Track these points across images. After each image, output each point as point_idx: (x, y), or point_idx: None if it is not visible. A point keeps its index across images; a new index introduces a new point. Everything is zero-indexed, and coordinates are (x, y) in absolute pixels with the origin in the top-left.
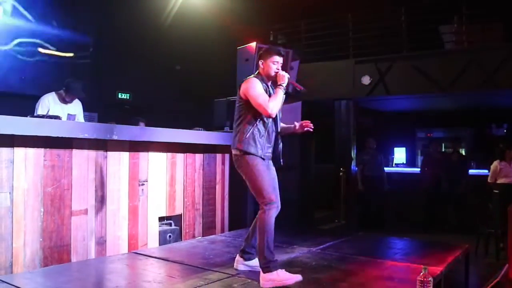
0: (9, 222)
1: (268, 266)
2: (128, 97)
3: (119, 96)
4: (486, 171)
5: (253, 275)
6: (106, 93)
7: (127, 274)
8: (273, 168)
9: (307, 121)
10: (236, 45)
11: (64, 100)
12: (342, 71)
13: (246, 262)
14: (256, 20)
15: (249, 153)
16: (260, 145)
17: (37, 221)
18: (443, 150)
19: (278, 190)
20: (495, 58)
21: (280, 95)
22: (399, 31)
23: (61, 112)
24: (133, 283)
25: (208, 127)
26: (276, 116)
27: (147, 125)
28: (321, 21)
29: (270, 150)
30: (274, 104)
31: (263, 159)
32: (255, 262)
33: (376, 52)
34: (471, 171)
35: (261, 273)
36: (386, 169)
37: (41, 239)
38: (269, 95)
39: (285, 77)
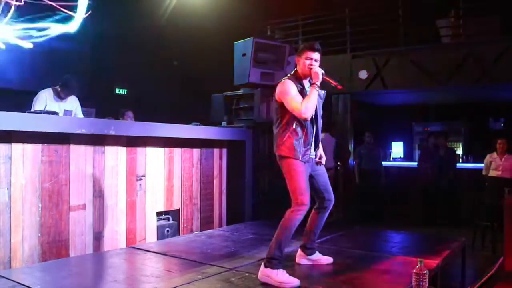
0: (7, 218)
1: (271, 262)
2: (125, 93)
3: (117, 92)
4: (482, 164)
5: (251, 268)
6: (104, 88)
7: (125, 269)
8: (321, 168)
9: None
10: (233, 40)
11: (60, 96)
12: (339, 65)
13: (309, 257)
14: (253, 15)
15: (290, 158)
16: (298, 148)
17: (35, 216)
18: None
19: (328, 187)
20: (492, 51)
21: (313, 95)
22: (396, 25)
23: (57, 108)
24: (131, 278)
25: (205, 122)
26: (317, 114)
27: (144, 120)
28: (318, 15)
29: (309, 152)
30: (307, 105)
31: (303, 162)
32: (316, 256)
33: (373, 46)
34: (468, 165)
35: (263, 265)
36: (383, 163)
37: (39, 234)
38: (305, 96)
39: (318, 74)
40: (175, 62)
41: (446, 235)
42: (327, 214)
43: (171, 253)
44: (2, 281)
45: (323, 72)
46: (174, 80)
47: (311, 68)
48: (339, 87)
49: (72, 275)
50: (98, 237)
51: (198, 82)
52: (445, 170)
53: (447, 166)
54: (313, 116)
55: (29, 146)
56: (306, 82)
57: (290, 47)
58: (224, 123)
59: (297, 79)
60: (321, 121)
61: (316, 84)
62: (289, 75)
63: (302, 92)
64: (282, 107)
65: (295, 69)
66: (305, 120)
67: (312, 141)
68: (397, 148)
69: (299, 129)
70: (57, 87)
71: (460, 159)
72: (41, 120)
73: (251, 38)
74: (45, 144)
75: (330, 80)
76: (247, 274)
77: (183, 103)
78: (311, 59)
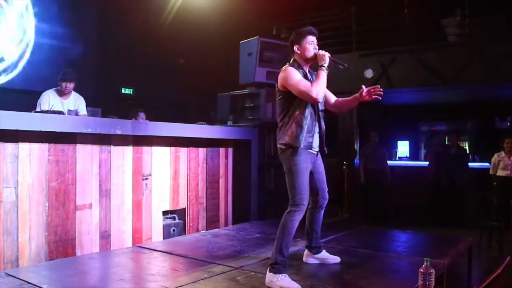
0: (14, 217)
1: (274, 266)
2: (131, 92)
3: (123, 91)
4: (488, 164)
5: (257, 268)
6: (110, 88)
7: (132, 268)
8: (320, 162)
9: (376, 86)
10: (239, 39)
11: (63, 94)
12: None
13: (316, 256)
14: (258, 15)
15: (294, 147)
16: (305, 138)
17: (42, 215)
18: (446, 143)
19: (324, 186)
20: (498, 50)
21: (323, 77)
22: (402, 24)
23: (61, 108)
24: (138, 276)
25: (211, 121)
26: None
27: (150, 119)
28: (324, 15)
29: (314, 140)
30: (318, 87)
31: (309, 153)
32: (324, 255)
33: (379, 45)
34: (474, 164)
35: (268, 269)
36: (389, 162)
37: (46, 233)
38: (309, 81)
39: (325, 56)
40: (181, 61)
41: (453, 235)
42: (322, 212)
43: (177, 252)
44: (10, 280)
45: (329, 55)
46: (180, 79)
47: (316, 52)
48: (344, 66)
49: (79, 274)
50: (104, 236)
51: (204, 82)
52: (456, 169)
53: (458, 166)
54: (316, 104)
55: (36, 146)
56: (307, 69)
57: None
58: (230, 123)
59: (299, 67)
60: (323, 109)
61: (324, 66)
62: (288, 63)
63: (306, 78)
64: (285, 96)
65: (293, 59)
66: (315, 102)
67: (316, 131)
68: (403, 148)
69: (303, 117)
70: (58, 87)
71: None
72: (47, 119)
73: (257, 37)
74: (52, 144)
75: (337, 62)
76: (252, 273)
77: (189, 102)
78: (313, 42)
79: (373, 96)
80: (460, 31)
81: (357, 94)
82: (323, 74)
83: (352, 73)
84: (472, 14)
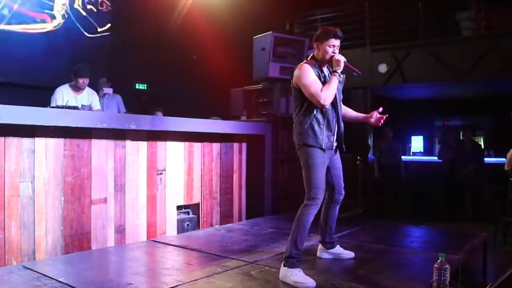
0: (31, 211)
1: (288, 260)
2: (145, 88)
3: (137, 87)
4: (504, 159)
5: (271, 262)
6: (124, 84)
7: (146, 262)
8: (337, 158)
9: (382, 114)
10: (252, 34)
11: (76, 89)
12: (358, 59)
13: (330, 251)
14: (272, 10)
15: (309, 145)
16: (320, 135)
17: (58, 209)
18: (461, 138)
19: (341, 181)
20: None
21: (334, 82)
22: (416, 18)
23: (75, 103)
24: (152, 270)
25: (225, 116)
26: (336, 100)
27: (164, 115)
28: (337, 9)
29: (332, 139)
30: (327, 93)
31: (324, 150)
32: (337, 250)
33: (393, 40)
34: (490, 159)
35: (282, 263)
36: (403, 157)
37: (62, 227)
38: (323, 82)
39: (340, 62)
40: (194, 57)
41: (468, 230)
42: (338, 207)
43: (191, 246)
44: (27, 272)
45: (345, 60)
46: (193, 74)
47: (333, 56)
48: (358, 72)
49: (94, 267)
50: (119, 230)
51: (218, 77)
52: (470, 164)
53: (473, 162)
54: (334, 102)
55: (51, 141)
56: (325, 68)
57: (309, 41)
58: (243, 118)
59: (316, 64)
60: (342, 107)
61: (337, 72)
62: (306, 60)
63: (320, 78)
64: (300, 93)
65: (312, 54)
66: (323, 107)
67: (334, 128)
68: (417, 143)
69: (320, 115)
70: (72, 82)
71: None
72: (63, 115)
73: (270, 32)
74: (67, 139)
75: (352, 68)
76: (266, 268)
77: (202, 97)
78: (334, 46)
79: (380, 123)
80: (475, 25)
81: (361, 115)
82: (335, 80)
83: (366, 68)
84: (486, 7)
